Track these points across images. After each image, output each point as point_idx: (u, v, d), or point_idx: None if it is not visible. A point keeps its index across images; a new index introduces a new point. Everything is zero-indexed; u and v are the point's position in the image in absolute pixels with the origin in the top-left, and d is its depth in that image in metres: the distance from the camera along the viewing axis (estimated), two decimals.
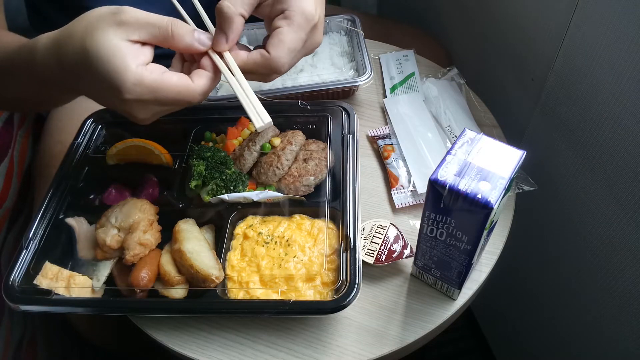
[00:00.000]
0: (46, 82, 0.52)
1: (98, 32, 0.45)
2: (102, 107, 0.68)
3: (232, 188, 0.61)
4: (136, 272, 0.53)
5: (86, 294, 0.55)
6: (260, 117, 0.50)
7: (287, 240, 0.58)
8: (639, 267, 0.62)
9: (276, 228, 0.59)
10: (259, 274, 0.56)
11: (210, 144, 0.68)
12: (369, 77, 0.73)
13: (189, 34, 0.49)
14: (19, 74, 0.53)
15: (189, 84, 0.48)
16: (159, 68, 0.47)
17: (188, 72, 0.50)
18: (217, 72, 0.51)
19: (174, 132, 0.70)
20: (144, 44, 0.47)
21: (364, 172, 0.70)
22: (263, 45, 0.53)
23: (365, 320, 0.56)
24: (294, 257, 0.56)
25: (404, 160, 0.69)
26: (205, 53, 0.51)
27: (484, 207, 0.42)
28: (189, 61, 0.53)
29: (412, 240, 0.57)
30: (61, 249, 0.59)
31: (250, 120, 0.50)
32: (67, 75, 0.48)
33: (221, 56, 0.51)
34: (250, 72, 0.53)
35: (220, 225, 0.60)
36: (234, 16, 0.50)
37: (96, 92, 0.48)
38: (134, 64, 0.45)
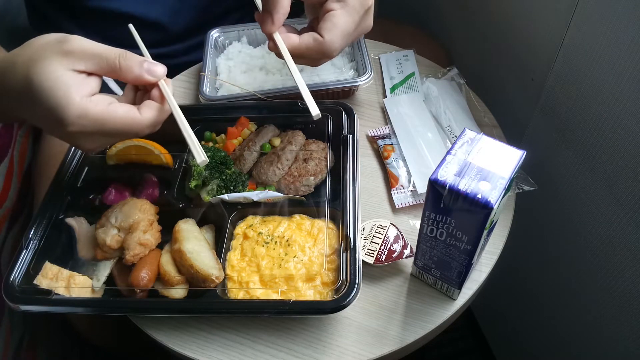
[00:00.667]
0: None
1: (42, 61, 0.43)
2: None
3: (232, 188, 0.61)
4: (136, 272, 0.53)
5: (86, 294, 0.55)
6: (200, 153, 0.49)
7: (287, 240, 0.58)
8: (639, 267, 0.62)
9: (276, 228, 0.59)
10: (259, 274, 0.56)
11: (210, 144, 0.68)
12: (369, 77, 0.73)
13: (137, 66, 0.47)
14: None
15: (136, 117, 0.47)
16: (104, 99, 0.46)
17: (141, 101, 0.49)
18: (165, 103, 0.50)
19: (174, 132, 0.69)
20: (90, 74, 0.46)
21: (364, 172, 0.70)
22: (312, 28, 0.52)
23: (365, 320, 0.56)
24: (294, 257, 0.56)
25: (404, 160, 0.69)
26: (156, 84, 0.50)
27: (484, 207, 0.42)
28: (142, 90, 0.51)
29: (412, 240, 0.57)
30: (61, 249, 0.59)
31: (192, 155, 0.50)
32: (11, 103, 0.47)
33: (271, 38, 0.50)
34: (301, 57, 0.52)
35: (220, 225, 0.60)
36: None
37: (41, 123, 0.47)
38: (78, 96, 0.44)
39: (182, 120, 0.51)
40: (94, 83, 0.46)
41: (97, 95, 0.46)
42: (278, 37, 0.51)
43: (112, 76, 0.47)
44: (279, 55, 0.54)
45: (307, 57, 0.52)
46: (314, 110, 0.51)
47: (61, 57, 0.44)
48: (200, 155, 0.49)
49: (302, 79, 0.51)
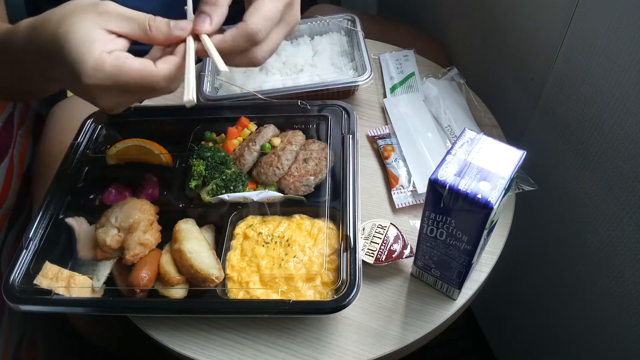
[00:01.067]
0: (27, 68, 0.52)
1: (74, 17, 0.45)
2: None
3: (232, 188, 0.61)
4: (136, 272, 0.53)
5: (86, 294, 0.55)
6: (190, 91, 0.48)
7: (287, 240, 0.58)
8: (639, 267, 0.62)
9: (276, 228, 0.59)
10: (259, 274, 0.56)
11: (210, 144, 0.68)
12: (369, 77, 0.73)
13: (165, 25, 0.48)
14: (4, 59, 0.53)
15: (151, 69, 0.47)
16: (122, 54, 0.46)
17: None
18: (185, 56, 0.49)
19: (174, 132, 0.70)
20: (119, 35, 0.47)
21: (364, 172, 0.70)
22: None
23: (365, 320, 0.56)
24: (294, 257, 0.56)
25: (404, 160, 0.69)
26: (184, 40, 0.49)
27: (484, 207, 0.42)
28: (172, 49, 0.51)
29: (412, 240, 0.57)
30: (61, 249, 0.59)
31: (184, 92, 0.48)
32: (43, 61, 0.48)
33: (196, 39, 0.50)
34: (231, 52, 0.51)
35: (220, 225, 0.60)
36: None
37: (65, 79, 0.48)
38: (99, 51, 0.44)
39: (191, 57, 0.49)
40: (121, 44, 0.47)
41: (116, 51, 0.46)
42: (205, 38, 0.50)
43: (143, 39, 0.48)
44: (205, 54, 0.52)
45: (236, 49, 0.51)
46: (221, 66, 0.49)
47: (96, 16, 0.45)
48: (189, 93, 0.47)
49: (209, 40, 0.50)
